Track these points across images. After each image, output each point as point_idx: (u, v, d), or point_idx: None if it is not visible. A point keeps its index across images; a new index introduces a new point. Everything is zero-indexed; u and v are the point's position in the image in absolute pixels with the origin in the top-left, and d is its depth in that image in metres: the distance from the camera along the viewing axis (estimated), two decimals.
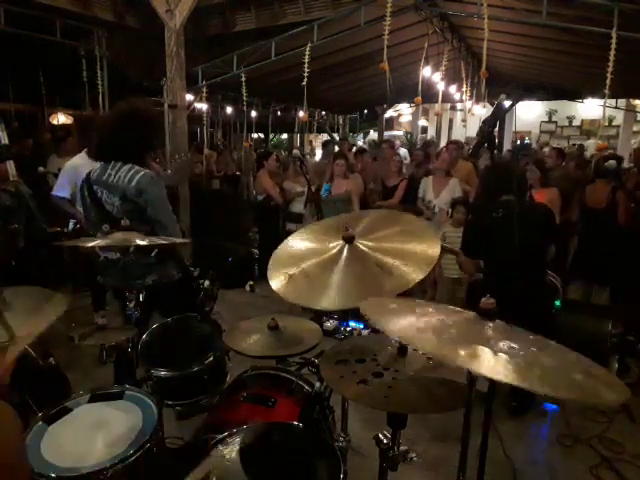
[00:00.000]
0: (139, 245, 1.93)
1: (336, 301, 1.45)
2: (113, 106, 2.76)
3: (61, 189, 3.74)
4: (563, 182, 4.93)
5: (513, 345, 1.06)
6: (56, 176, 5.25)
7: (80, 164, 3.60)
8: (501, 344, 1.05)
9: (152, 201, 2.37)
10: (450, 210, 4.49)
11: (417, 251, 1.53)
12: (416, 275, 1.44)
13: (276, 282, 1.59)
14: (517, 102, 9.43)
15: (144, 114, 2.49)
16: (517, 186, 2.97)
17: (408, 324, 1.13)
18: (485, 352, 1.01)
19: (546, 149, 9.54)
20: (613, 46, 4.12)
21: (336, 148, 8.12)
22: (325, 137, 16.67)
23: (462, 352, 1.00)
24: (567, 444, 2.88)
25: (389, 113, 15.54)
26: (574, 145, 12.42)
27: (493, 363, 0.99)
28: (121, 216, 2.30)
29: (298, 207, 5.64)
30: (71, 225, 4.74)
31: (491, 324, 1.14)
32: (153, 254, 2.42)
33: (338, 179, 5.01)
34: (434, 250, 1.52)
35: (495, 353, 1.01)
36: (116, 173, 2.41)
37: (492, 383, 1.17)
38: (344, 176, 5.07)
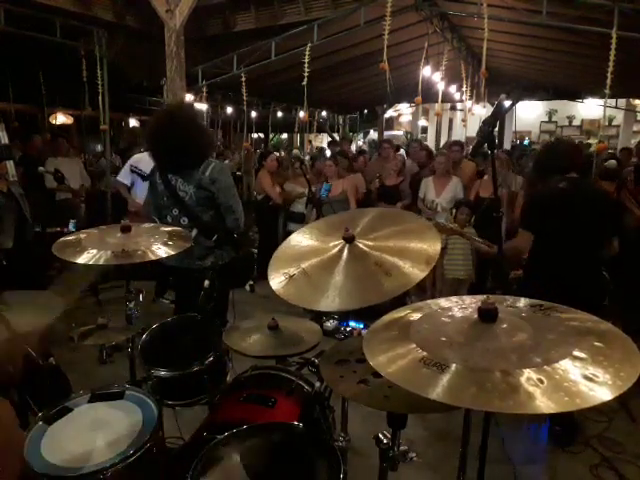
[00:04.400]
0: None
1: (336, 302, 1.45)
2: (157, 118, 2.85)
3: (124, 176, 4.43)
4: None
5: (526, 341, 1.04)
6: (54, 176, 5.26)
7: (142, 159, 4.23)
8: (515, 357, 1.01)
9: (223, 189, 2.68)
10: (454, 211, 4.48)
11: (417, 250, 1.52)
12: (416, 274, 1.44)
13: (276, 282, 1.58)
14: (517, 102, 9.44)
15: (194, 132, 2.66)
16: (582, 165, 2.77)
17: (407, 360, 1.07)
18: (515, 378, 0.94)
19: None
20: (613, 46, 4.12)
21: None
22: (323, 137, 16.69)
23: (498, 401, 0.90)
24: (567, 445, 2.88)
25: (389, 113, 15.55)
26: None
27: (532, 390, 0.91)
28: (193, 202, 2.68)
29: (300, 207, 5.64)
30: (71, 225, 4.75)
31: (494, 327, 1.12)
32: (213, 239, 2.71)
33: (333, 180, 5.02)
34: (435, 249, 1.51)
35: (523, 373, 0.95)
36: None
37: None
38: (338, 177, 5.07)
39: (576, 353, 0.99)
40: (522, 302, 1.26)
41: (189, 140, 2.60)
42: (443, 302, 1.33)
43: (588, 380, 0.92)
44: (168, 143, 2.59)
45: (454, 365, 1.00)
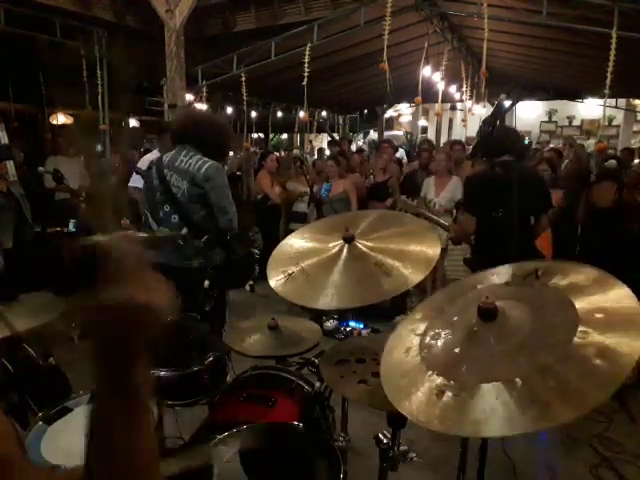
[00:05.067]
0: None
1: (334, 300, 1.45)
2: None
3: (138, 181, 4.20)
4: (565, 182, 4.94)
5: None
6: (53, 176, 5.26)
7: (145, 160, 4.17)
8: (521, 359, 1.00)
9: (217, 188, 2.66)
10: (454, 211, 4.48)
11: (417, 252, 1.52)
12: (415, 276, 1.44)
13: (275, 280, 1.59)
14: (517, 102, 9.43)
15: (227, 129, 3.01)
16: (517, 148, 2.98)
17: (425, 395, 1.03)
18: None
19: (545, 149, 9.55)
20: (613, 46, 4.12)
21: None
22: (323, 137, 16.69)
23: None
24: (567, 443, 2.88)
25: (389, 113, 15.54)
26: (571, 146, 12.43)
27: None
28: (185, 199, 2.65)
29: (302, 207, 5.64)
30: (71, 225, 4.75)
31: (496, 325, 1.11)
32: (203, 239, 2.66)
33: (334, 180, 5.03)
34: (434, 251, 1.51)
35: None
36: (187, 160, 2.70)
37: None
38: (339, 176, 5.08)
39: (580, 334, 0.98)
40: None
41: (221, 131, 2.82)
42: (440, 303, 1.32)
43: (602, 358, 0.91)
44: (205, 124, 2.80)
45: (471, 383, 0.99)
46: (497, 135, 3.14)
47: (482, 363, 1.04)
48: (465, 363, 1.06)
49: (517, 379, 0.95)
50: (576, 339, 0.97)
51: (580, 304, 1.05)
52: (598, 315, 1.02)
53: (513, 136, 3.13)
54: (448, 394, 1.01)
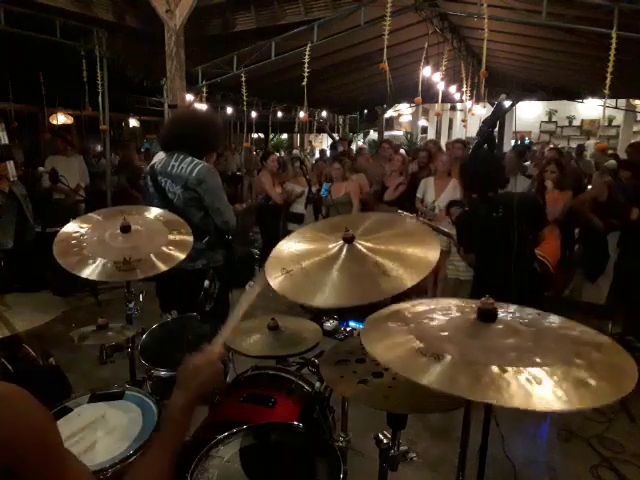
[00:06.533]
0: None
1: (331, 299, 1.45)
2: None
3: None
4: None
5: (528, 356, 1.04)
6: (49, 175, 5.26)
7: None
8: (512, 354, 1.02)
9: (209, 190, 2.64)
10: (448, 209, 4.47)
11: (416, 254, 1.52)
12: (413, 278, 1.44)
13: (272, 278, 1.58)
14: (517, 102, 9.44)
15: (209, 119, 2.93)
16: (501, 178, 3.10)
17: (404, 349, 1.09)
18: (505, 374, 0.96)
19: (545, 149, 9.55)
20: (613, 46, 4.12)
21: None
22: (322, 137, 16.69)
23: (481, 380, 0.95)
24: (567, 443, 2.88)
25: (389, 113, 15.56)
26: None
27: (520, 387, 0.93)
28: (181, 204, 2.64)
29: (299, 208, 5.64)
30: None
31: (493, 327, 1.13)
32: (204, 241, 2.68)
33: (337, 182, 5.04)
34: (433, 254, 1.51)
35: (517, 371, 0.97)
36: (179, 165, 2.68)
37: None
38: (342, 179, 5.09)
39: (574, 360, 1.01)
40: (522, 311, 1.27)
41: (202, 126, 2.76)
42: (443, 302, 1.34)
43: (583, 386, 0.94)
44: (186, 124, 2.79)
45: (450, 356, 1.02)
46: (482, 170, 3.12)
47: (466, 349, 1.07)
48: (448, 343, 1.09)
49: (493, 366, 0.98)
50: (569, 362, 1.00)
51: (577, 344, 1.09)
52: (594, 353, 1.05)
53: (495, 166, 3.18)
54: (417, 344, 1.09)
